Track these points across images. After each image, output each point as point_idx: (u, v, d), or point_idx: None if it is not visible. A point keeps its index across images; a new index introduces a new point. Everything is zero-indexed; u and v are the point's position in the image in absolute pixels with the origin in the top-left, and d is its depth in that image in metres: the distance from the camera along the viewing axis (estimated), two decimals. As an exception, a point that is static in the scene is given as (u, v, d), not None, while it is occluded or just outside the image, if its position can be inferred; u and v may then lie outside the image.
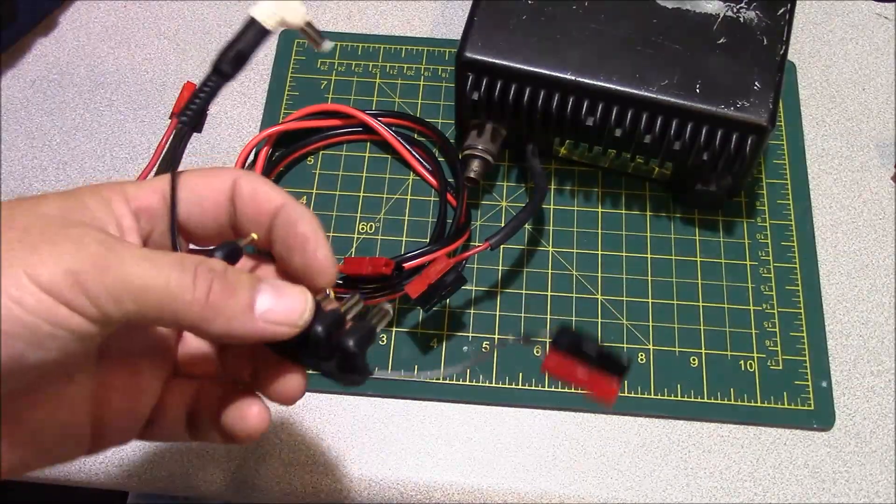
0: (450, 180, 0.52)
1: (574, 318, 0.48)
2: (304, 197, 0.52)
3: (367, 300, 0.46)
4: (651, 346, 0.48)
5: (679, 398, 0.46)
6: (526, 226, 0.51)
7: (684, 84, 0.45)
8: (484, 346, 0.48)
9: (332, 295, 0.29)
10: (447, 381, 0.47)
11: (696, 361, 0.47)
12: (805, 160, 0.54)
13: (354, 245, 0.51)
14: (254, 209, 0.28)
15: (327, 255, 0.28)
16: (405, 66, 0.57)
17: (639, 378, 0.47)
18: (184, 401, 0.29)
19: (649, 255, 0.50)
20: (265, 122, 0.55)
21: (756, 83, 0.45)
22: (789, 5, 0.48)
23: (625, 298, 0.49)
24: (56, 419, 0.26)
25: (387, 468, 0.45)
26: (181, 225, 0.29)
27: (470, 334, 0.48)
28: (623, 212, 0.52)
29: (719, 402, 0.46)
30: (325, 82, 0.56)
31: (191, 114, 0.30)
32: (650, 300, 0.49)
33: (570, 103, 0.47)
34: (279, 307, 0.25)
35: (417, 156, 0.53)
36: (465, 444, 0.45)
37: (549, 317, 0.48)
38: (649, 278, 0.50)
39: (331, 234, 0.51)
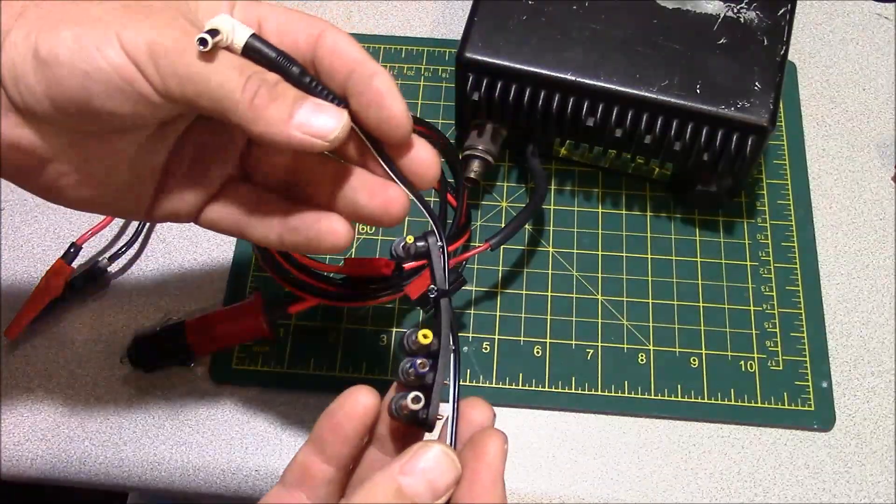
0: (450, 180, 0.52)
1: (574, 319, 0.48)
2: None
3: (369, 301, 0.46)
4: (651, 347, 0.48)
5: (679, 398, 0.46)
6: (526, 226, 0.51)
7: (684, 84, 0.45)
8: (484, 346, 0.48)
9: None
10: (447, 382, 0.47)
11: (697, 362, 0.47)
12: (805, 160, 0.54)
13: (355, 246, 0.51)
14: (331, 62, 0.30)
15: (402, 108, 0.29)
16: (405, 66, 0.57)
17: (639, 378, 0.47)
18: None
19: (649, 256, 0.50)
20: (265, 122, 0.55)
21: (756, 83, 0.45)
22: (789, 5, 0.48)
23: (625, 299, 0.49)
24: (125, 168, 0.30)
25: (387, 468, 0.45)
26: None
27: (470, 335, 0.48)
28: (623, 212, 0.52)
29: (719, 402, 0.46)
30: (325, 82, 0.56)
31: None
32: (650, 300, 0.49)
33: (571, 104, 0.47)
34: (315, 121, 0.28)
35: (417, 156, 0.53)
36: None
37: (549, 317, 0.48)
38: (649, 279, 0.50)
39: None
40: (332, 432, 0.29)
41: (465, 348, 0.48)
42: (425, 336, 0.29)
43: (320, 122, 0.28)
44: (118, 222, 0.51)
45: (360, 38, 0.58)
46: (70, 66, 0.26)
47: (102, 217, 0.49)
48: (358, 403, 0.29)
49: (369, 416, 0.29)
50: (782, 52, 0.46)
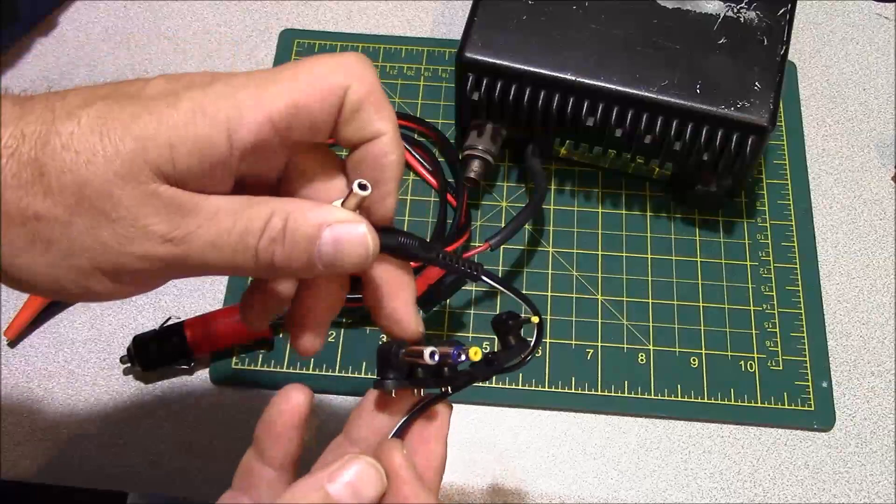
0: (450, 180, 0.52)
1: (574, 319, 0.48)
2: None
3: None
4: (651, 347, 0.48)
5: (679, 398, 0.46)
6: (526, 226, 0.51)
7: (684, 84, 0.45)
8: (484, 346, 0.48)
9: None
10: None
11: (697, 362, 0.47)
12: (805, 160, 0.54)
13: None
14: (350, 130, 0.27)
15: (392, 204, 0.29)
16: (405, 66, 0.57)
17: (639, 378, 0.47)
18: None
19: (649, 256, 0.50)
20: (265, 122, 0.55)
21: (756, 83, 0.45)
22: (789, 5, 0.48)
23: (625, 299, 0.49)
24: None
25: (387, 468, 0.45)
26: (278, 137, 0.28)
27: (470, 335, 0.48)
28: (623, 212, 0.52)
29: (719, 402, 0.46)
30: (325, 82, 0.56)
31: None
32: (650, 300, 0.49)
33: (571, 103, 0.46)
34: (341, 262, 0.26)
35: (417, 156, 0.53)
36: (464, 444, 0.45)
37: (549, 317, 0.48)
38: (649, 278, 0.50)
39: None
40: (265, 433, 0.29)
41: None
42: (476, 353, 0.29)
43: (347, 258, 0.26)
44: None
45: (361, 37, 0.58)
46: (48, 291, 0.25)
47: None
48: (290, 401, 0.29)
49: (299, 413, 0.29)
50: (782, 52, 0.46)
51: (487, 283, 0.31)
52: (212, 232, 0.25)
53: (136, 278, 0.25)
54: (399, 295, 0.30)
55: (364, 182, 0.26)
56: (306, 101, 0.26)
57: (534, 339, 0.32)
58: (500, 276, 0.50)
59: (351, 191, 0.27)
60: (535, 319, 0.32)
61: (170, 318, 0.47)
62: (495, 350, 0.32)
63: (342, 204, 0.27)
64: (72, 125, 0.24)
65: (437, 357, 0.28)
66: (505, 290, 0.32)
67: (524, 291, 0.49)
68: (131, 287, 0.26)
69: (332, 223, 0.26)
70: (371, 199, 0.27)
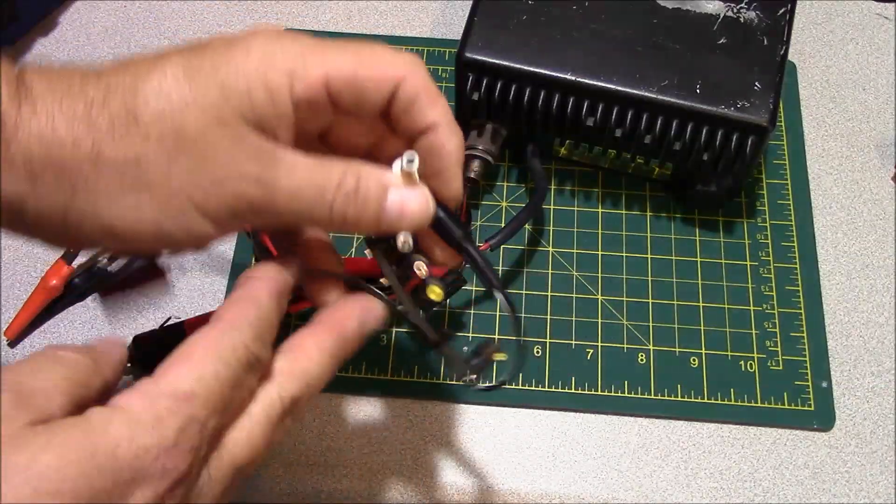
0: (450, 180, 0.52)
1: (574, 318, 0.48)
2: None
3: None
4: (651, 347, 0.48)
5: (679, 398, 0.46)
6: (526, 226, 0.51)
7: (684, 84, 0.45)
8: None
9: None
10: (446, 382, 0.47)
11: (696, 362, 0.47)
12: (805, 160, 0.54)
13: (354, 245, 0.51)
14: (406, 121, 0.29)
15: (458, 189, 0.31)
16: (405, 66, 0.57)
17: (639, 378, 0.47)
18: None
19: (649, 256, 0.50)
20: (265, 122, 0.55)
21: (756, 83, 0.45)
22: (789, 5, 0.48)
23: (625, 298, 0.49)
24: None
25: (387, 469, 0.45)
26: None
27: (470, 334, 0.48)
28: (623, 212, 0.52)
29: (719, 402, 0.46)
30: (325, 82, 0.56)
31: None
32: (650, 300, 0.49)
33: (570, 103, 0.47)
34: (403, 222, 0.29)
35: (417, 156, 0.53)
36: (464, 444, 0.45)
37: (548, 317, 0.48)
38: (649, 278, 0.50)
39: (331, 236, 0.51)
40: None
41: (466, 348, 0.48)
42: (437, 294, 0.32)
43: (409, 221, 0.29)
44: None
45: (361, 37, 0.58)
46: (149, 237, 0.26)
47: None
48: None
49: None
50: (782, 52, 0.46)
51: (499, 299, 0.32)
52: (294, 182, 0.27)
53: (229, 218, 0.27)
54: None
55: (412, 156, 0.28)
56: (363, 76, 0.28)
57: (485, 378, 0.33)
58: (500, 275, 0.50)
59: (402, 166, 0.28)
60: (501, 356, 0.33)
61: (170, 318, 0.47)
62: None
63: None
64: (158, 76, 0.25)
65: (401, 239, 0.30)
66: (509, 314, 0.33)
67: (524, 292, 0.49)
68: (222, 228, 0.27)
69: (399, 185, 0.28)
70: (437, 185, 0.30)
